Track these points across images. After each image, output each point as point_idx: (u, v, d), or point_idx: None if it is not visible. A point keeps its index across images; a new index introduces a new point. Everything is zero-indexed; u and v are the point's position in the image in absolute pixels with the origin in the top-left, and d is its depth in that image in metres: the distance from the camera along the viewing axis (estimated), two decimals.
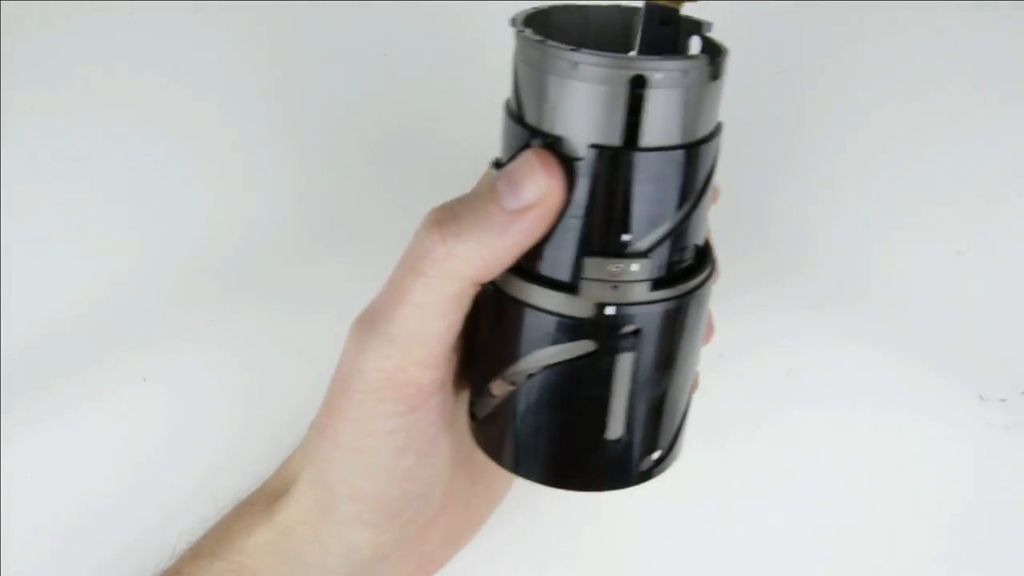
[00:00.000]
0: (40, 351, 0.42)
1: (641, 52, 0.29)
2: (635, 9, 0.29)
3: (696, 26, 0.28)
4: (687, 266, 0.27)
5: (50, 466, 0.39)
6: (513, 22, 0.26)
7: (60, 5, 0.51)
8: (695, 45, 0.29)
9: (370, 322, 0.27)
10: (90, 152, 0.48)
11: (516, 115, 0.26)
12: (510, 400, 0.28)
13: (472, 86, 0.49)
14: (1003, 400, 0.40)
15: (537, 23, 0.26)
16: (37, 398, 0.40)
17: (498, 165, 0.27)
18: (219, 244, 0.45)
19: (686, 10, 0.28)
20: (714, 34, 0.28)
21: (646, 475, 0.29)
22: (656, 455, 0.29)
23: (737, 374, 0.40)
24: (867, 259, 0.44)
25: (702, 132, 0.26)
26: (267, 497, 0.31)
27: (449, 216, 0.25)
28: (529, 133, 0.25)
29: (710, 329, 0.33)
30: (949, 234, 0.44)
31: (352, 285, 0.43)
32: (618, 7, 0.30)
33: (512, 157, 0.26)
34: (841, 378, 0.41)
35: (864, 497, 0.38)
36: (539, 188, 0.24)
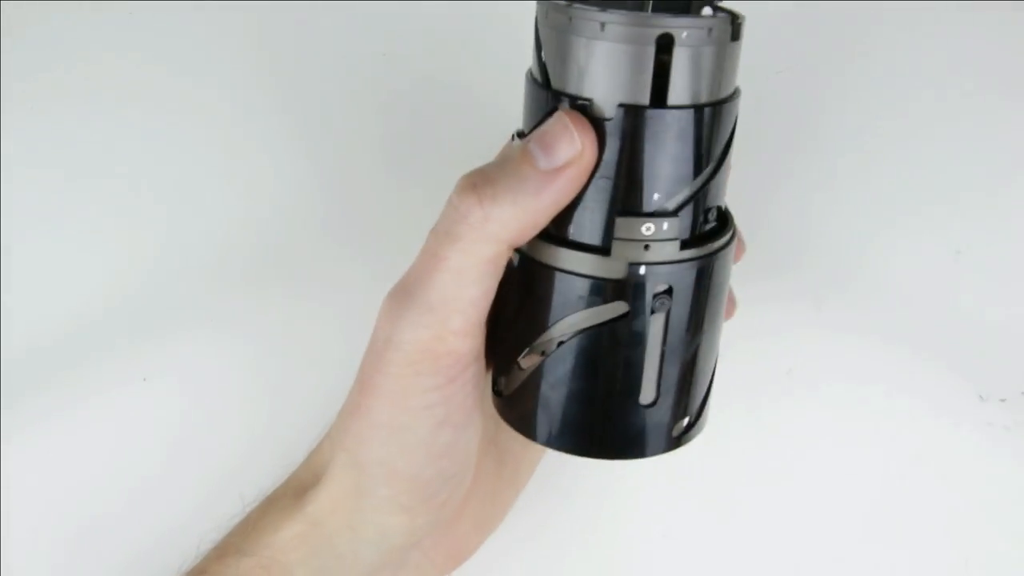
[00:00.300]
0: (40, 351, 0.42)
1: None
2: None
3: None
4: (711, 228, 0.28)
5: (50, 466, 0.39)
6: None
7: (60, 5, 0.51)
8: (707, 13, 0.28)
9: (404, 293, 0.27)
10: (91, 152, 0.48)
11: (541, 81, 0.26)
12: (539, 371, 0.28)
13: (474, 83, 0.49)
14: (1003, 400, 0.40)
15: None
16: (37, 398, 0.40)
17: (521, 136, 0.27)
18: (220, 243, 0.45)
19: None
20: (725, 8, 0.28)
21: (677, 442, 0.30)
22: (686, 421, 0.29)
23: (737, 373, 0.40)
24: (867, 259, 0.44)
25: (724, 92, 0.26)
26: (295, 490, 0.31)
27: (483, 180, 0.25)
28: (556, 97, 0.26)
29: (732, 302, 0.33)
30: (949, 234, 0.44)
31: (358, 281, 0.43)
32: None
33: (540, 122, 0.26)
34: (841, 377, 0.41)
35: (864, 496, 0.38)
36: (573, 146, 0.24)
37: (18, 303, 0.43)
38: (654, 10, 0.29)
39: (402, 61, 0.50)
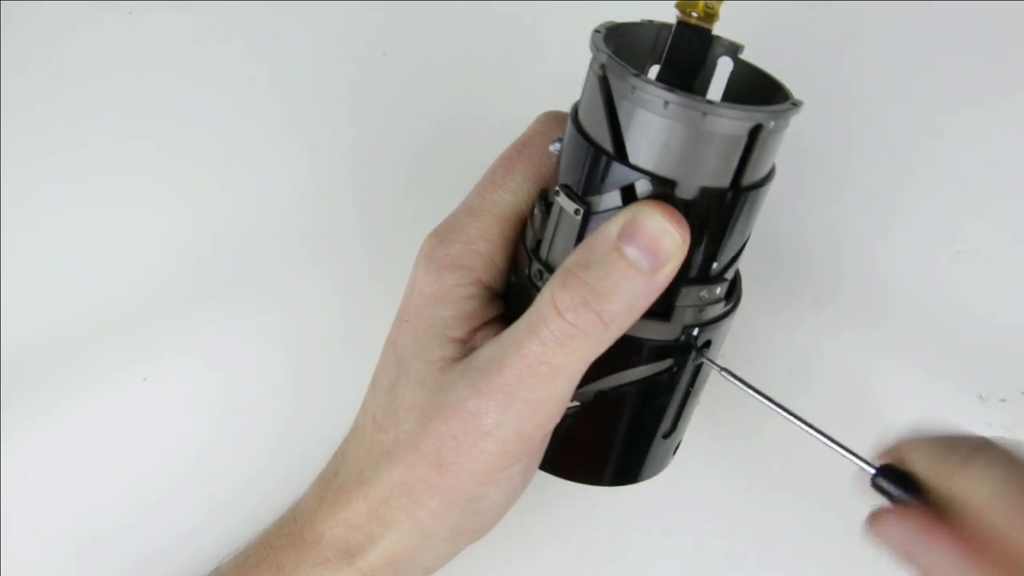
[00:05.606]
0: (40, 351, 0.42)
1: (665, 69, 0.30)
2: (670, 26, 0.30)
3: (732, 48, 0.29)
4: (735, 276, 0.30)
5: (49, 466, 0.39)
6: (617, 66, 0.25)
7: (60, 5, 0.51)
8: (724, 65, 0.30)
9: (504, 394, 0.27)
10: (90, 151, 0.48)
11: (614, 154, 0.26)
12: (570, 417, 0.29)
13: (475, 84, 0.49)
14: (1003, 400, 0.40)
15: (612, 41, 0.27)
16: (36, 398, 0.40)
17: (570, 192, 0.27)
18: (221, 243, 0.45)
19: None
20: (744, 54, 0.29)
21: (673, 456, 0.32)
22: (680, 439, 0.32)
23: (737, 373, 0.39)
24: (867, 259, 0.43)
25: (772, 162, 0.27)
26: (338, 552, 0.31)
27: (594, 295, 0.26)
28: (634, 173, 0.25)
29: None
30: (949, 234, 0.44)
31: (358, 282, 0.43)
32: (654, 24, 0.30)
33: (593, 189, 0.26)
34: (841, 378, 0.41)
35: (865, 496, 0.38)
36: (675, 243, 0.25)
37: (18, 303, 0.43)
38: (667, 58, 0.30)
39: (403, 61, 0.50)
